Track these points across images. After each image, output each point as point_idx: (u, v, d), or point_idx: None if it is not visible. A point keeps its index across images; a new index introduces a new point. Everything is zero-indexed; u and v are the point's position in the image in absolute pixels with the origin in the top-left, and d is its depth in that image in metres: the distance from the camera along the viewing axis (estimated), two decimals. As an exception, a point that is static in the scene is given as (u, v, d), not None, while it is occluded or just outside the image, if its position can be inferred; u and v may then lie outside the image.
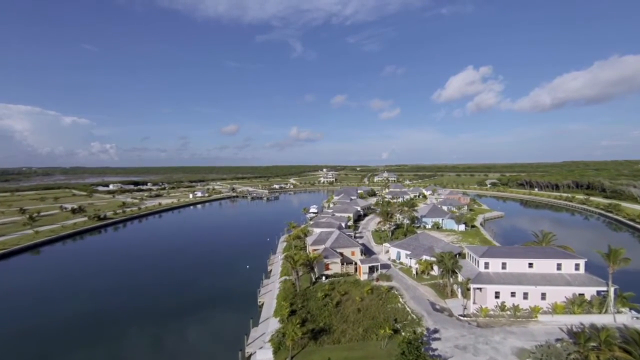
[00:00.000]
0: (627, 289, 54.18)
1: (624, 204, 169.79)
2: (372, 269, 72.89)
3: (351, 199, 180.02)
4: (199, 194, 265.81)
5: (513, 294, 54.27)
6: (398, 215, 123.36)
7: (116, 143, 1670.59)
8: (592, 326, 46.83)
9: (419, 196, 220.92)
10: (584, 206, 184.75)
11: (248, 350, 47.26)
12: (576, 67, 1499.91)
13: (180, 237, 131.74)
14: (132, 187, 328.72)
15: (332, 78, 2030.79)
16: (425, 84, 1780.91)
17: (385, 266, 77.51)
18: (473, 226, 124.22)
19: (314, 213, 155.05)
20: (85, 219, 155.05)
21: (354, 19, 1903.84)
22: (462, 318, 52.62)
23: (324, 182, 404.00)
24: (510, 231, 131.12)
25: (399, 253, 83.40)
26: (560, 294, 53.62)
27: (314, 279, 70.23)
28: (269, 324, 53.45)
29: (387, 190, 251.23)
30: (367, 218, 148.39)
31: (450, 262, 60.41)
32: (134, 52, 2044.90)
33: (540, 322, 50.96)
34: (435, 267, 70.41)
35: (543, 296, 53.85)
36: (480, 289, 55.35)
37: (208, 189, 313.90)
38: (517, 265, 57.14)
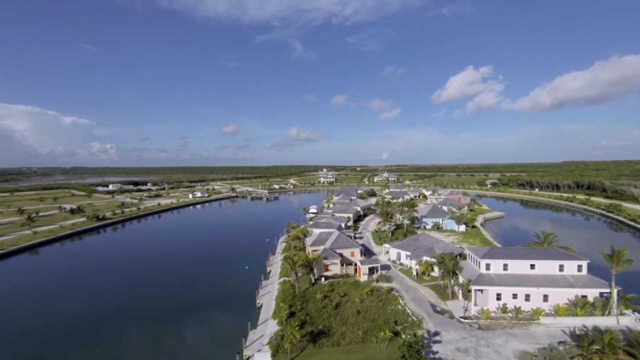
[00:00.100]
0: (630, 290, 53.65)
1: (624, 204, 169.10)
2: (372, 270, 72.17)
3: (351, 199, 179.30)
4: (198, 194, 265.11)
5: (515, 296, 53.60)
6: (398, 215, 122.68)
7: (116, 143, 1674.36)
8: (595, 329, 46.29)
9: (419, 196, 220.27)
10: (585, 206, 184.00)
11: (246, 353, 46.53)
12: (576, 67, 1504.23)
13: (179, 238, 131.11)
14: (131, 187, 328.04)
15: (332, 78, 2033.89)
16: (425, 84, 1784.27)
17: (385, 267, 76.86)
18: (473, 226, 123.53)
19: (313, 213, 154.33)
20: (84, 219, 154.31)
21: (354, 19, 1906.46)
22: (463, 320, 51.90)
23: (323, 182, 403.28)
24: (511, 232, 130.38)
25: (399, 254, 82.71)
26: (562, 295, 52.94)
27: (313, 280, 69.57)
28: (268, 326, 52.77)
29: (387, 191, 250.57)
30: (367, 218, 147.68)
31: (451, 264, 59.73)
32: (134, 52, 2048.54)
33: (542, 324, 50.24)
34: (436, 268, 69.73)
35: (545, 298, 53.20)
36: (481, 290, 54.69)
37: (208, 189, 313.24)
38: (518, 267, 56.46)
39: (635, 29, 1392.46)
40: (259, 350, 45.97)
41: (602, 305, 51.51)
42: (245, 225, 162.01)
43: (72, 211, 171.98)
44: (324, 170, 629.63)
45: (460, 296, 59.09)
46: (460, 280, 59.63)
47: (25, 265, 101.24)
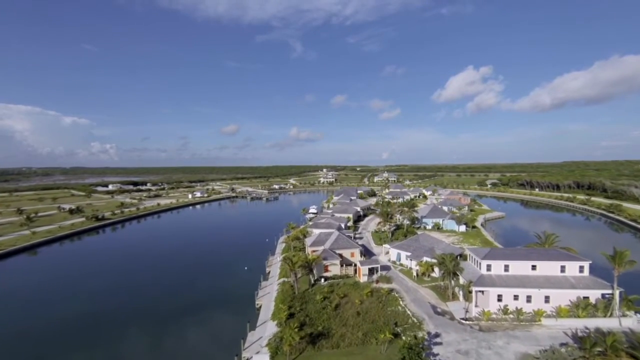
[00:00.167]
0: (632, 292, 53.14)
1: (625, 205, 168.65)
2: (371, 271, 71.72)
3: (351, 200, 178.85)
4: (198, 194, 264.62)
5: (516, 297, 53.11)
6: (398, 215, 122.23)
7: (116, 143, 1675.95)
8: (597, 330, 45.87)
9: (419, 196, 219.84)
10: (585, 206, 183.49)
11: (244, 355, 46.00)
12: (576, 67, 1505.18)
13: (178, 238, 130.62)
14: (131, 187, 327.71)
15: (332, 78, 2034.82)
16: (425, 84, 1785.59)
17: (385, 268, 76.40)
18: (474, 227, 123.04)
19: (313, 213, 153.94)
20: (83, 219, 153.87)
21: (354, 19, 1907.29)
22: (464, 322, 51.42)
23: (323, 183, 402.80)
24: (511, 232, 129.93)
25: (399, 254, 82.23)
26: (564, 297, 52.44)
27: (312, 281, 69.09)
28: (267, 328, 52.28)
29: (387, 191, 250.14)
30: (367, 218, 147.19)
31: (451, 264, 59.24)
32: (134, 52, 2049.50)
33: (544, 325, 49.76)
34: (436, 269, 69.26)
35: (547, 299, 52.70)
36: (482, 291, 54.22)
37: (207, 189, 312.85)
38: (520, 268, 55.96)
39: (635, 29, 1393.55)
40: (257, 352, 45.48)
41: (604, 306, 50.99)
42: (244, 225, 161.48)
43: (71, 211, 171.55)
44: (324, 170, 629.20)
45: (460, 297, 58.64)
46: (461, 281, 59.15)
47: (24, 265, 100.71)
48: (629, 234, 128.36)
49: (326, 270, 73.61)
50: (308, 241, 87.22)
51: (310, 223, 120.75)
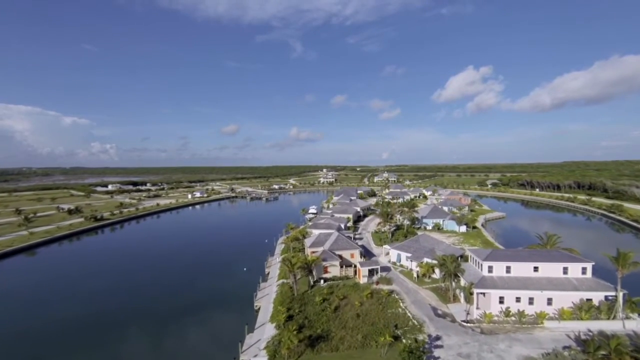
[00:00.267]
0: (636, 293, 52.44)
1: (626, 205, 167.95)
2: (371, 272, 71.03)
3: (351, 200, 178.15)
4: (197, 194, 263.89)
5: (518, 299, 52.42)
6: (398, 216, 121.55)
7: (116, 143, 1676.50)
8: (601, 333, 45.12)
9: (419, 197, 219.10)
10: (586, 207, 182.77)
11: (242, 357, 45.34)
12: (576, 67, 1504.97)
13: (177, 239, 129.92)
14: (130, 187, 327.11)
15: (332, 78, 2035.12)
16: (425, 84, 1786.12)
17: (385, 269, 75.66)
18: (474, 227, 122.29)
19: (313, 214, 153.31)
20: (82, 219, 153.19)
21: (354, 19, 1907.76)
22: (465, 324, 50.68)
23: (323, 183, 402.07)
24: (512, 232, 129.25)
25: (399, 255, 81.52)
26: (567, 299, 51.70)
27: (312, 282, 68.34)
28: (265, 330, 51.56)
29: (387, 191, 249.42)
30: (366, 219, 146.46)
31: (452, 266, 58.52)
32: (134, 52, 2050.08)
33: (546, 328, 49.04)
34: (437, 270, 68.51)
35: (549, 301, 51.98)
36: (483, 293, 53.55)
37: (207, 189, 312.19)
38: (521, 269, 55.25)
39: (635, 29, 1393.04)
40: (255, 356, 44.77)
41: (608, 308, 50.27)
42: (244, 225, 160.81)
43: (69, 212, 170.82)
44: (324, 170, 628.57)
45: (461, 299, 57.94)
46: (462, 282, 58.42)
47: (22, 266, 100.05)
48: (630, 234, 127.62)
49: (326, 272, 72.89)
50: (307, 242, 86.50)
51: (310, 223, 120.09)
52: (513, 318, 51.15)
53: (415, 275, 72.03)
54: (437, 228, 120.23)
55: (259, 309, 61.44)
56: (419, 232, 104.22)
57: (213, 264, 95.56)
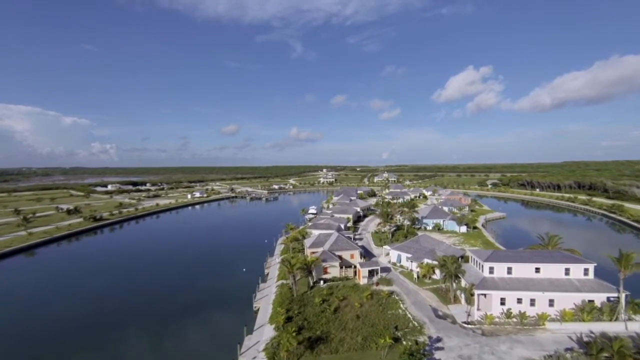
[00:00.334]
0: (638, 295, 52.17)
1: (627, 205, 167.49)
2: (371, 273, 70.59)
3: (351, 200, 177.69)
4: (197, 194, 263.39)
5: (519, 301, 51.93)
6: (398, 216, 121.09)
7: (116, 143, 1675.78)
8: (603, 335, 44.58)
9: (419, 197, 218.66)
10: (587, 207, 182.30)
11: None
12: (576, 67, 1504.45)
13: (177, 239, 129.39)
14: (130, 187, 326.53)
15: (332, 78, 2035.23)
16: (425, 84, 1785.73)
17: (385, 269, 75.15)
18: (475, 227, 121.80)
19: (312, 214, 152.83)
20: (81, 220, 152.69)
21: (354, 19, 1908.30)
22: (466, 326, 50.22)
23: (323, 183, 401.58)
24: (513, 233, 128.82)
25: (399, 256, 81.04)
26: (568, 300, 51.25)
27: (311, 283, 67.86)
28: (264, 332, 51.07)
29: (387, 191, 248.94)
30: (366, 219, 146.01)
31: (453, 267, 57.98)
32: (134, 52, 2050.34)
33: (548, 330, 48.57)
34: (437, 271, 67.97)
35: (551, 303, 51.52)
36: (484, 294, 53.08)
37: (207, 189, 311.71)
38: (523, 270, 54.79)
39: (635, 29, 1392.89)
40: (254, 358, 44.25)
41: (610, 310, 49.86)
42: (243, 226, 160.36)
43: (68, 212, 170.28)
44: (324, 170, 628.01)
45: (462, 300, 57.47)
46: (463, 283, 57.91)
47: (20, 266, 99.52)
48: (631, 234, 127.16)
49: (325, 272, 72.39)
50: (307, 242, 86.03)
51: (310, 224, 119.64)
52: (514, 319, 50.67)
53: (415, 276, 71.57)
54: (438, 228, 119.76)
55: (258, 310, 60.95)
56: (419, 233, 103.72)
57: (212, 264, 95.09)
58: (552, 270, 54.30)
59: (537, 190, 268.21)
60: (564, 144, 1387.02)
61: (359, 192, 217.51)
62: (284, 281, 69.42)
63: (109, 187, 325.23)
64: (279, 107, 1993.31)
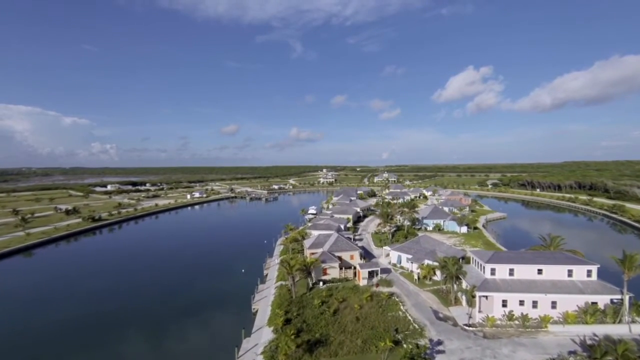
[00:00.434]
0: (642, 297, 51.20)
1: (628, 205, 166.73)
2: (371, 274, 69.85)
3: (351, 200, 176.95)
4: (196, 194, 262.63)
5: (521, 303, 51.19)
6: (398, 216, 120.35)
7: (116, 143, 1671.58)
8: (607, 338, 44.00)
9: (419, 197, 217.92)
10: (587, 207, 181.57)
11: (239, 363, 44.17)
12: (576, 67, 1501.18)
13: (175, 239, 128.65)
14: (129, 187, 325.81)
15: (332, 78, 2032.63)
16: (425, 84, 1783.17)
17: (385, 271, 74.36)
18: (475, 228, 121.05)
19: (312, 214, 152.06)
20: (80, 220, 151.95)
21: (354, 20, 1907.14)
22: (467, 328, 49.48)
23: (323, 183, 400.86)
24: (514, 233, 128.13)
25: (399, 257, 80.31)
26: (571, 302, 50.55)
27: (311, 285, 67.09)
28: (262, 334, 50.34)
29: (387, 191, 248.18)
30: (366, 219, 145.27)
31: (454, 268, 57.21)
32: (134, 52, 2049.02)
33: (550, 332, 47.81)
34: (438, 272, 67.26)
35: (553, 305, 50.80)
36: (486, 296, 52.32)
37: (206, 189, 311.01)
38: (525, 272, 54.07)
39: (635, 29, 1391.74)
40: (252, 361, 43.56)
41: (613, 312, 49.11)
42: (243, 226, 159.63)
43: (67, 212, 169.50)
44: (324, 170, 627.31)
45: (463, 302, 56.73)
46: (464, 285, 57.17)
47: (18, 267, 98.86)
48: (632, 235, 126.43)
49: (325, 274, 71.63)
50: (306, 243, 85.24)
51: (309, 224, 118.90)
52: (516, 322, 49.93)
53: (415, 277, 70.82)
54: (438, 229, 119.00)
55: (256, 311, 60.25)
56: (420, 233, 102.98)
57: (211, 265, 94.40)
58: (555, 272, 53.58)
59: (538, 190, 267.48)
60: (564, 144, 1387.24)
61: (358, 192, 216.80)
62: (283, 282, 68.67)
63: (108, 187, 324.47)
64: (279, 107, 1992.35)
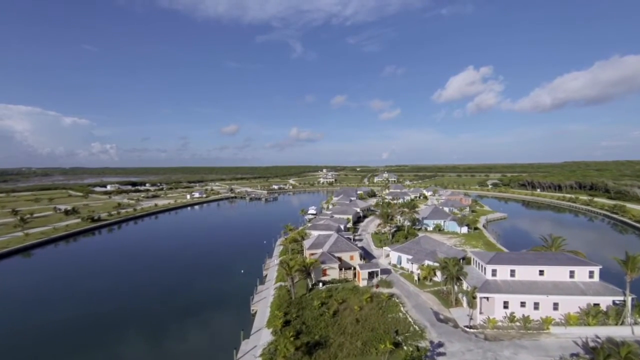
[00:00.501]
0: (644, 298, 50.71)
1: (629, 205, 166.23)
2: (371, 275, 69.38)
3: (351, 200, 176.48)
4: (196, 194, 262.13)
5: (523, 304, 50.67)
6: (398, 217, 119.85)
7: (116, 143, 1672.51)
8: (609, 340, 43.43)
9: (419, 197, 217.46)
10: (588, 207, 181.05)
11: (237, 365, 43.71)
12: (576, 67, 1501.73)
13: (175, 240, 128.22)
14: (129, 187, 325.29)
15: (332, 78, 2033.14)
16: (426, 84, 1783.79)
17: (385, 271, 73.88)
18: (476, 228, 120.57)
19: (312, 214, 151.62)
20: (79, 220, 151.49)
21: (354, 20, 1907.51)
22: (468, 330, 49.00)
23: (323, 183, 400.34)
24: (514, 233, 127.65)
25: (399, 257, 79.84)
26: (573, 304, 50.03)
27: (310, 286, 66.62)
28: (261, 336, 49.86)
29: (387, 191, 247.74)
30: (366, 220, 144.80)
31: (454, 269, 56.73)
32: (134, 52, 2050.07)
33: (552, 334, 47.32)
34: (439, 273, 66.77)
35: (555, 306, 50.28)
36: (487, 298, 51.82)
37: (206, 189, 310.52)
38: (526, 273, 53.56)
39: (635, 29, 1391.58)
40: (251, 363, 43.10)
41: (616, 314, 48.58)
42: (242, 226, 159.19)
43: (66, 212, 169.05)
44: (324, 170, 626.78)
45: (464, 303, 56.25)
46: (465, 286, 56.67)
47: (17, 267, 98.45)
48: (633, 235, 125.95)
49: (324, 274, 71.17)
50: (306, 243, 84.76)
51: (309, 224, 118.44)
52: (518, 323, 49.42)
53: (416, 278, 70.34)
54: (438, 229, 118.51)
55: (255, 312, 59.78)
56: (420, 234, 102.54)
57: (210, 265, 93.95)
58: (557, 273, 53.07)
59: (538, 190, 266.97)
60: (564, 144, 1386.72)
61: (358, 192, 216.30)
62: (282, 283, 68.21)
63: (108, 188, 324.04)
64: (279, 107, 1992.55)
